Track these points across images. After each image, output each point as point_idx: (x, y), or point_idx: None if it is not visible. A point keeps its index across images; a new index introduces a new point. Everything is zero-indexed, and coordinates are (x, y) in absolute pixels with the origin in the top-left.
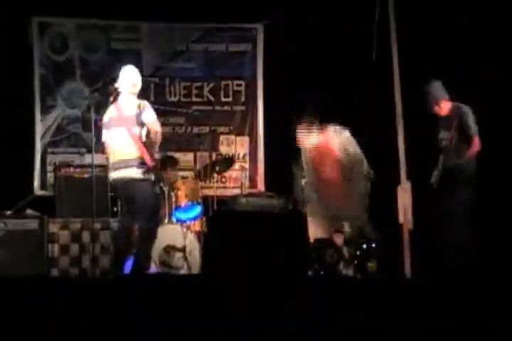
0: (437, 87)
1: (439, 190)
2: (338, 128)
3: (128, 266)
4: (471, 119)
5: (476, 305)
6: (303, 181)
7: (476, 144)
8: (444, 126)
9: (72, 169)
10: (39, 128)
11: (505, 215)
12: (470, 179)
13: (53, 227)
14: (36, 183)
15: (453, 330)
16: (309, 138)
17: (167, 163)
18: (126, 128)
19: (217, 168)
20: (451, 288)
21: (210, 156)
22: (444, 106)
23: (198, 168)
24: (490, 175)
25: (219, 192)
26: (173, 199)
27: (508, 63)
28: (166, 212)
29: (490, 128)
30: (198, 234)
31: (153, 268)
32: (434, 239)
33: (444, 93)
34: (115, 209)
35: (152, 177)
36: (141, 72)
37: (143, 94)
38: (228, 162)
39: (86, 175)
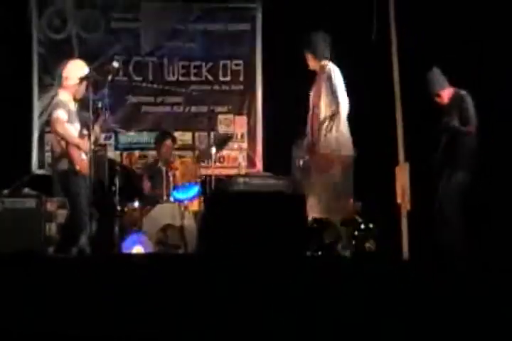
0: (437, 76)
1: (436, 171)
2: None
3: (127, 245)
4: (470, 106)
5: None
6: (301, 161)
7: (472, 129)
8: (445, 112)
9: None
10: (37, 107)
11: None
12: (468, 161)
13: (51, 206)
14: (34, 162)
15: (448, 314)
16: None
17: (164, 138)
18: None
19: (213, 149)
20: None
21: (209, 136)
22: (445, 95)
23: (196, 152)
24: (490, 161)
25: (217, 172)
26: (171, 179)
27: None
28: (164, 191)
29: (491, 115)
30: (196, 213)
31: (150, 247)
32: (431, 219)
33: (444, 81)
34: (113, 188)
35: None
36: (140, 51)
37: (141, 73)
38: (224, 141)
39: None
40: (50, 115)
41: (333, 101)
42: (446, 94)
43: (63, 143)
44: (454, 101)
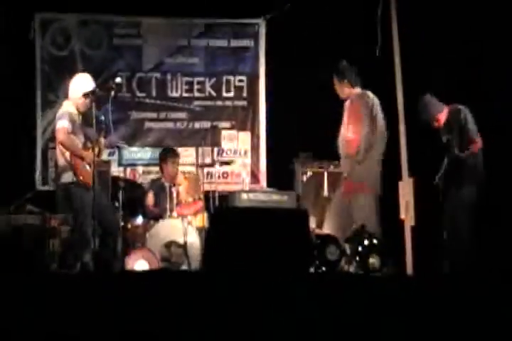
0: (431, 101)
1: (441, 186)
2: None
3: (130, 262)
4: (469, 121)
5: (477, 304)
6: (304, 177)
7: (477, 145)
8: (444, 131)
9: None
10: (40, 124)
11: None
12: (474, 176)
13: (54, 223)
14: (37, 178)
15: (454, 328)
16: None
17: (167, 155)
18: None
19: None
20: (453, 287)
21: (212, 152)
22: (442, 117)
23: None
24: (496, 174)
25: (220, 188)
26: (175, 195)
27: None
28: (168, 207)
29: (493, 124)
30: (200, 230)
31: (156, 264)
32: (435, 235)
33: (439, 106)
34: (116, 204)
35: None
36: (143, 67)
37: (145, 89)
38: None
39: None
40: (54, 125)
41: (372, 131)
42: (443, 115)
43: (67, 154)
44: (451, 118)
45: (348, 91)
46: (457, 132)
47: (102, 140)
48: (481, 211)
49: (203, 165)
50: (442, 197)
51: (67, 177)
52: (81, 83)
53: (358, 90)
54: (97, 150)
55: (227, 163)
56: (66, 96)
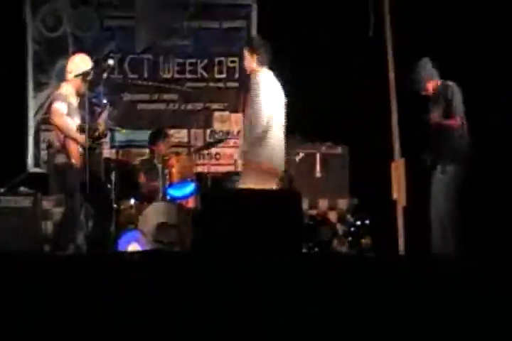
0: (426, 66)
1: (429, 166)
2: None
3: (122, 243)
4: (456, 99)
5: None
6: (297, 158)
7: (456, 121)
8: (432, 105)
9: None
10: (32, 106)
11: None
12: (459, 155)
13: (47, 204)
14: (29, 160)
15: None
16: None
17: (157, 136)
18: None
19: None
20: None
21: (204, 133)
22: (431, 86)
23: (192, 149)
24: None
25: (213, 169)
26: (167, 177)
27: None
28: (160, 189)
29: (480, 106)
30: (192, 211)
31: (148, 245)
32: (426, 216)
33: (432, 73)
34: (109, 186)
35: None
36: (134, 49)
37: (137, 71)
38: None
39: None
40: (47, 107)
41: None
42: (432, 85)
43: (62, 136)
44: (439, 92)
45: (252, 67)
46: (442, 106)
47: (101, 122)
48: (466, 193)
49: (196, 150)
50: (429, 175)
51: (61, 158)
52: (79, 64)
53: (263, 68)
54: (97, 132)
55: (220, 141)
56: (59, 78)
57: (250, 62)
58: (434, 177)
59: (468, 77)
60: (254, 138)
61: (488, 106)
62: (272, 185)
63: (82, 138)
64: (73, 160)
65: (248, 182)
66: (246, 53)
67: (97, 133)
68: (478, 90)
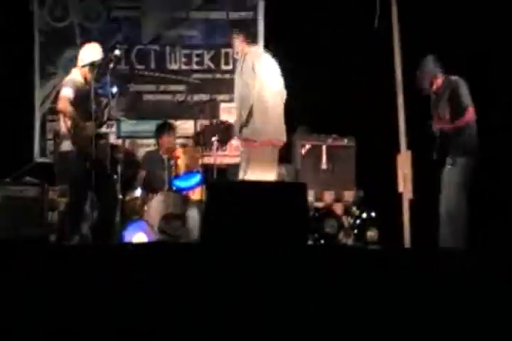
0: (430, 64)
1: (438, 160)
2: None
3: (128, 233)
4: (462, 90)
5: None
6: (302, 150)
7: (469, 115)
8: (437, 100)
9: None
10: (39, 96)
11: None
12: (468, 148)
13: (53, 194)
14: (36, 150)
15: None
16: None
17: (163, 128)
18: None
19: (217, 137)
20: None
21: (211, 124)
22: (437, 82)
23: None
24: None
25: (219, 161)
26: (173, 168)
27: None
28: (166, 180)
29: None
30: (198, 202)
31: (153, 236)
32: (433, 208)
33: (437, 70)
34: (115, 176)
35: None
36: (141, 40)
37: (144, 62)
38: (228, 132)
39: None
40: (54, 96)
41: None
42: (437, 82)
43: (69, 123)
44: (445, 88)
45: (241, 47)
46: (450, 102)
47: (105, 112)
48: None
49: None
50: (437, 168)
51: (66, 146)
52: (89, 52)
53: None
54: (99, 120)
55: (224, 123)
56: (66, 68)
57: (240, 44)
58: (444, 169)
59: (468, 77)
60: (247, 113)
61: (488, 106)
62: (274, 156)
63: (88, 126)
64: (78, 148)
65: (251, 162)
66: (234, 37)
67: (98, 122)
68: (478, 90)
